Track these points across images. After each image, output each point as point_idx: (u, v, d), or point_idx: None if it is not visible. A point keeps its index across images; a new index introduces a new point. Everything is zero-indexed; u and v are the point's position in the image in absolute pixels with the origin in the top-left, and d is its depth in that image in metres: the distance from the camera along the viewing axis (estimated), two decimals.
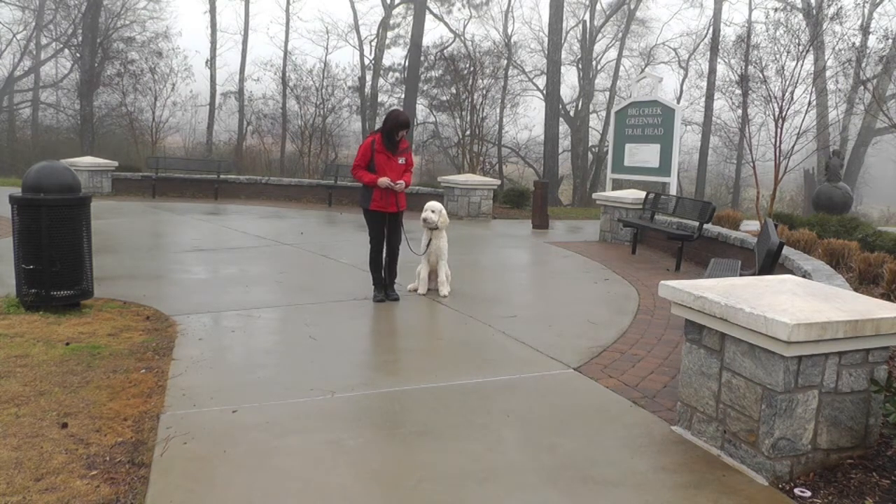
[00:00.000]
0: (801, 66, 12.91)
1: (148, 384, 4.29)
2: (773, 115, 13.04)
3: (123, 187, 17.08)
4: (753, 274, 5.90)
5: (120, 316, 5.84)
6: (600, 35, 31.72)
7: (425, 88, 27.78)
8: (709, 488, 3.24)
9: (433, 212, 6.89)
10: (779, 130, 12.91)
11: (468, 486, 3.20)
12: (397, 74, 30.10)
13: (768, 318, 3.17)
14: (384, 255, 6.79)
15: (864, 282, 6.75)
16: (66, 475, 3.12)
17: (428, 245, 6.99)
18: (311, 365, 4.82)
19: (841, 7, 15.08)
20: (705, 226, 9.58)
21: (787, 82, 12.78)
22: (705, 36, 28.41)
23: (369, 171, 6.55)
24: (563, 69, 26.33)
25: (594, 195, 15.84)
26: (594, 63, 31.63)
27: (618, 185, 14.33)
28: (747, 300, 3.41)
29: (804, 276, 5.86)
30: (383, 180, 6.46)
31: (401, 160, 6.61)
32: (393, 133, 6.47)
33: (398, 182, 6.54)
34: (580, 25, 31.40)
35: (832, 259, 7.62)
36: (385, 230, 6.73)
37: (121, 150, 24.06)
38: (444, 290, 6.85)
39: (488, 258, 10.09)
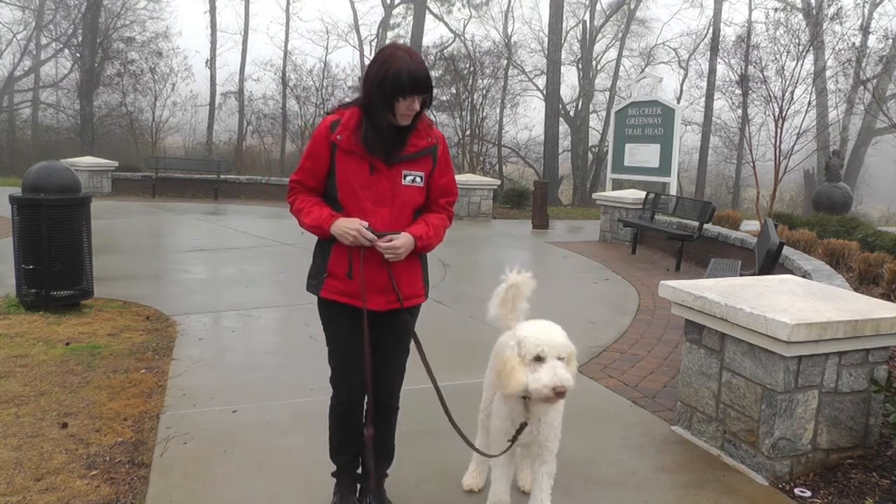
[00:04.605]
0: (801, 66, 12.94)
1: (148, 384, 4.29)
2: (773, 115, 13.06)
3: (123, 187, 17.07)
4: (753, 274, 5.91)
5: (120, 316, 5.84)
6: (600, 35, 31.71)
7: None
8: (709, 488, 3.24)
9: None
10: (779, 130, 12.92)
11: None
12: None
13: (768, 318, 3.18)
14: (363, 413, 2.86)
15: (864, 282, 6.75)
16: (66, 475, 3.12)
17: (518, 432, 2.70)
18: (312, 365, 4.81)
19: (841, 7, 15.12)
20: (705, 226, 9.60)
21: (787, 82, 12.80)
22: (705, 36, 28.36)
23: (322, 201, 2.68)
24: (563, 69, 26.30)
25: (594, 195, 15.86)
26: (594, 63, 31.61)
27: (618, 185, 14.33)
28: (747, 300, 3.41)
29: (804, 276, 5.86)
30: (344, 225, 2.56)
31: (409, 177, 2.64)
32: (388, 104, 2.50)
33: (391, 235, 2.58)
34: (580, 25, 31.39)
35: (832, 259, 7.63)
36: (359, 352, 2.70)
37: (121, 150, 24.04)
38: None
39: (488, 258, 10.09)
